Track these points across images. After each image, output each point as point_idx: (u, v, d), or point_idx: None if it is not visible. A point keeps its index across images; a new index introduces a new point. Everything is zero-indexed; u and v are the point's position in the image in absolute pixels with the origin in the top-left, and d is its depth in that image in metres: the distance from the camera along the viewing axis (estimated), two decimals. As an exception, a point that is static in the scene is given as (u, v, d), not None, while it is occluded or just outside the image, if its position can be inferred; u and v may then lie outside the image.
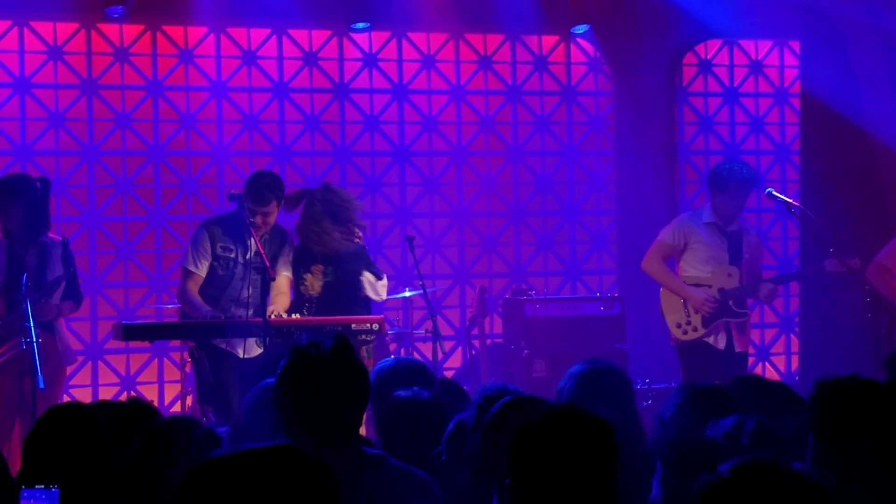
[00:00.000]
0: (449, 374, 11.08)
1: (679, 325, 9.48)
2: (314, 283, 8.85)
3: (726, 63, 12.46)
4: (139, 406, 4.76)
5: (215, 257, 8.62)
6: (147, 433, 4.10)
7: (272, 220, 8.64)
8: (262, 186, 8.57)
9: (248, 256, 8.50)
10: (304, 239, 8.85)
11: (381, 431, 5.17)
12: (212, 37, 11.12)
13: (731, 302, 9.37)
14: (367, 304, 8.98)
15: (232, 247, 8.62)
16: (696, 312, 9.39)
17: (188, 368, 9.95)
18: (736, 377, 5.69)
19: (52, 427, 4.36)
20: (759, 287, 9.48)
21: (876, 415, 3.64)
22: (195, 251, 8.67)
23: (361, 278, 8.87)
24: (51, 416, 4.45)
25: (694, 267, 9.46)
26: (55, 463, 4.24)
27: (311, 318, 8.82)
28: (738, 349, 9.46)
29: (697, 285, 9.40)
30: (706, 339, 9.41)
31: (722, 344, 9.40)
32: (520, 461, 3.56)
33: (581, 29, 11.85)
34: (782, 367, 12.45)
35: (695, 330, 9.40)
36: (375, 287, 8.91)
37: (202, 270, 8.63)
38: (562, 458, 3.50)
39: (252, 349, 8.41)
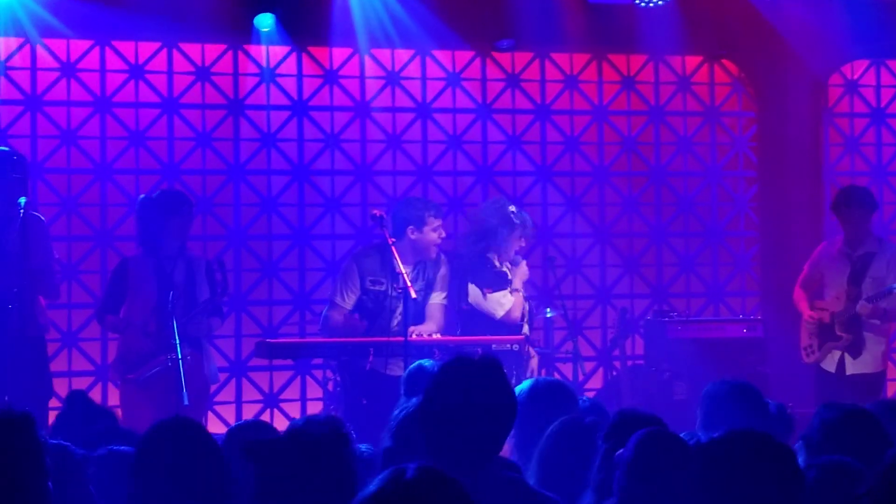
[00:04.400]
0: (590, 394, 11.02)
1: (805, 349, 9.80)
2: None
3: (873, 84, 12.26)
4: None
5: (364, 291, 8.72)
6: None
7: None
8: (431, 202, 8.77)
9: (398, 281, 8.54)
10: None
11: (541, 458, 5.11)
12: (357, 58, 11.23)
13: (836, 326, 9.38)
14: (483, 319, 8.95)
15: (382, 280, 8.71)
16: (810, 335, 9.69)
17: (331, 386, 10.04)
18: (882, 401, 5.60)
19: (162, 441, 4.45)
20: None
21: None
22: (344, 285, 8.79)
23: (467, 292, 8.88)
24: (160, 429, 4.53)
25: (826, 293, 9.68)
26: (164, 476, 4.32)
27: (451, 337, 8.87)
28: (849, 372, 9.46)
29: (822, 310, 9.53)
30: (821, 364, 9.64)
31: (832, 367, 9.46)
32: (710, 485, 3.51)
33: (721, 52, 11.77)
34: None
35: (813, 353, 9.68)
36: (478, 299, 8.87)
37: (349, 304, 8.76)
38: (754, 484, 3.47)
39: (397, 367, 8.41)
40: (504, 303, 8.93)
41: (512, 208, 9.09)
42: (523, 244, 9.24)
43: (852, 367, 9.49)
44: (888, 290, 9.29)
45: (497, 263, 9.03)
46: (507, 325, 9.04)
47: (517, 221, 9.03)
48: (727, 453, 3.52)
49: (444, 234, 8.94)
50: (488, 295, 8.92)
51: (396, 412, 5.48)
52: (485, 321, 9.00)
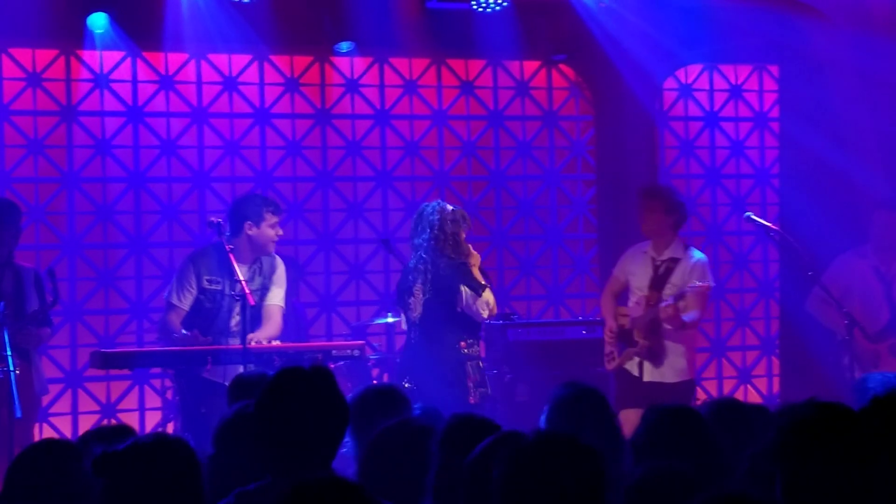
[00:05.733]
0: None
1: (606, 356, 9.50)
2: (416, 305, 8.76)
3: (706, 88, 12.49)
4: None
5: (201, 291, 8.57)
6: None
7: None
8: (270, 199, 8.72)
9: (235, 288, 8.40)
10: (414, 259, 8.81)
11: (365, 462, 5.11)
12: (193, 63, 11.11)
13: (634, 332, 9.22)
14: (468, 321, 8.73)
15: (219, 279, 8.57)
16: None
17: (169, 395, 9.92)
18: (714, 401, 5.68)
19: (36, 460, 4.38)
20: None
21: (836, 441, 3.64)
22: (179, 286, 8.62)
23: (461, 294, 8.71)
24: (36, 448, 4.46)
25: (630, 298, 9.46)
26: (36, 494, 4.26)
27: (291, 344, 8.81)
28: (646, 378, 9.13)
29: (624, 315, 9.36)
30: (625, 367, 9.28)
31: (636, 371, 9.28)
32: (509, 489, 3.55)
33: (560, 57, 11.91)
34: (764, 390, 12.45)
35: (613, 359, 9.39)
36: (471, 302, 8.74)
37: (185, 304, 8.60)
38: (551, 485, 3.51)
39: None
40: (490, 299, 8.80)
41: (450, 207, 8.98)
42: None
43: (650, 374, 9.14)
44: (682, 292, 9.10)
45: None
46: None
47: (465, 220, 8.92)
48: (534, 454, 3.56)
49: (281, 232, 8.84)
50: (483, 294, 8.73)
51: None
52: (475, 323, 8.79)
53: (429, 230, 8.71)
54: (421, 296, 8.66)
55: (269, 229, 8.66)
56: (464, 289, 8.59)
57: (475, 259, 8.78)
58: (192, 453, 4.00)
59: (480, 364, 8.73)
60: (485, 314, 8.69)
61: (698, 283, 8.96)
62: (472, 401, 8.44)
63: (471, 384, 8.42)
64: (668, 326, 9.08)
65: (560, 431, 3.71)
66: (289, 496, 3.25)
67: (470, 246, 8.82)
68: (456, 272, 8.61)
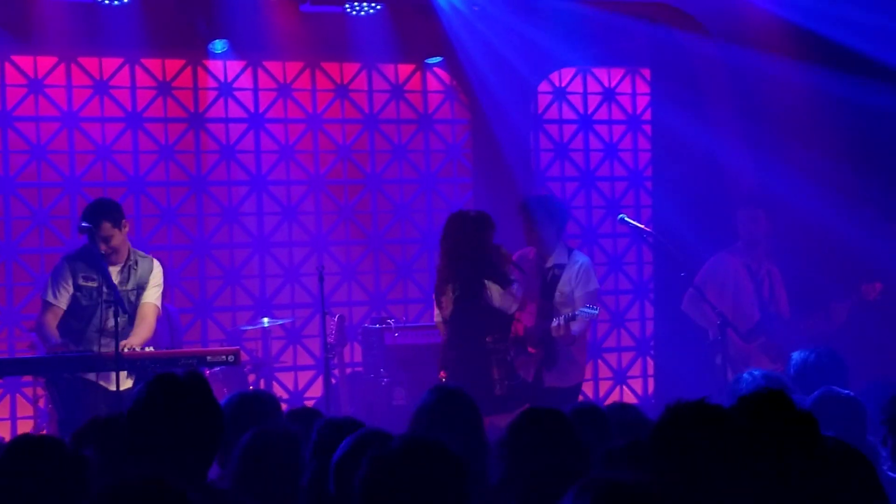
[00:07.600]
0: (309, 403, 11.03)
1: None
2: (447, 304, 8.88)
3: (580, 91, 12.60)
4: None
5: (77, 288, 8.43)
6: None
7: (116, 242, 8.44)
8: (90, 213, 8.45)
9: (108, 295, 8.26)
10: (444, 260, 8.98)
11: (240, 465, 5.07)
12: (63, 66, 10.97)
13: (528, 342, 9.26)
14: (495, 316, 8.85)
15: (94, 276, 8.45)
16: None
17: (42, 403, 9.77)
18: (576, 407, 5.74)
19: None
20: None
21: (711, 440, 3.70)
22: (55, 283, 8.48)
23: (486, 289, 8.80)
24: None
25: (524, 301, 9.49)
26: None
27: (165, 351, 8.72)
28: (547, 384, 9.12)
29: (518, 321, 9.38)
30: (518, 371, 9.22)
31: (529, 376, 9.28)
32: (371, 494, 3.56)
33: (435, 60, 11.95)
34: (639, 390, 12.59)
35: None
36: (497, 296, 8.81)
37: (62, 303, 8.45)
38: (413, 490, 3.52)
39: (123, 381, 8.17)
40: (514, 293, 8.91)
41: (473, 212, 9.15)
42: None
43: (549, 379, 9.09)
44: (573, 315, 9.09)
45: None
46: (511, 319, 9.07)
47: (489, 222, 9.03)
48: (398, 460, 3.57)
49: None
50: (508, 289, 8.83)
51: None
52: (503, 318, 8.92)
53: (453, 234, 8.99)
54: (451, 295, 8.87)
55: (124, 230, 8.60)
56: (489, 284, 8.80)
57: (505, 257, 8.95)
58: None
59: (508, 357, 8.87)
60: (514, 308, 8.94)
61: (587, 311, 8.99)
62: (497, 392, 8.69)
63: (496, 377, 8.71)
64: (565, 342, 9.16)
65: (425, 438, 3.71)
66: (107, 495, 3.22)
67: (501, 246, 9.01)
68: (478, 270, 8.84)
